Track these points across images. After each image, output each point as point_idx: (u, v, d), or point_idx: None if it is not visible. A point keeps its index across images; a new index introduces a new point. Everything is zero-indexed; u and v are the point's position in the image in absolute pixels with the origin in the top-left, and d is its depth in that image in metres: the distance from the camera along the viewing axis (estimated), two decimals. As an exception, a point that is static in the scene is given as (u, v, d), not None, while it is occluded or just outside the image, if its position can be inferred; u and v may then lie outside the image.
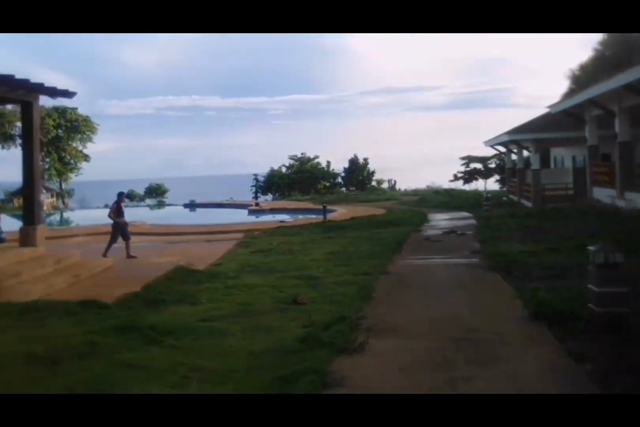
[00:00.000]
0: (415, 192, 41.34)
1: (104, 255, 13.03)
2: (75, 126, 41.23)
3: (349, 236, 16.60)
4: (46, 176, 40.57)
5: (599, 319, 5.67)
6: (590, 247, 5.94)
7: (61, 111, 40.63)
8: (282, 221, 20.56)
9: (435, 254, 12.36)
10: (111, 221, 13.63)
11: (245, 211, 28.54)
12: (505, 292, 8.00)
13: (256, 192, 48.24)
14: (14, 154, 41.80)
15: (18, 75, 9.55)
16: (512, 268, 9.51)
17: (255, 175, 48.97)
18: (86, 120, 41.93)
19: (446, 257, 11.91)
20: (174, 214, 32.02)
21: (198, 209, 33.33)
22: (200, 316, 7.74)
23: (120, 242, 13.50)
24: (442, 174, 52.04)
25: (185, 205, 34.89)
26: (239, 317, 7.55)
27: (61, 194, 42.40)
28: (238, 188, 53.07)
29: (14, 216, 19.36)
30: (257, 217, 26.77)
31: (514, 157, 30.55)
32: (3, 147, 39.30)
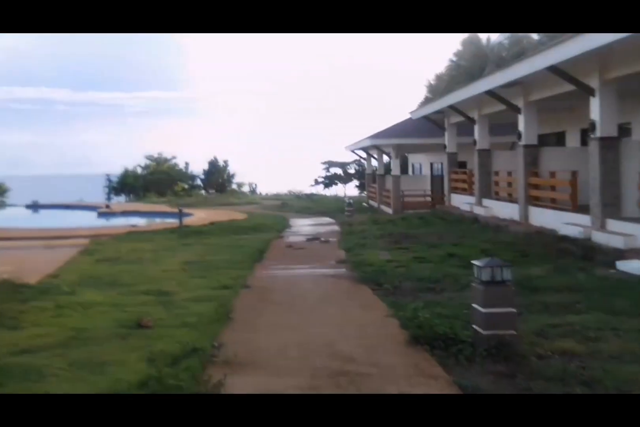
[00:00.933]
0: (277, 197, 40.72)
1: None
2: None
3: (208, 242, 15.31)
4: None
5: (486, 342, 5.04)
6: (475, 262, 5.29)
7: None
8: (133, 225, 18.69)
9: (299, 264, 11.51)
10: None
11: (95, 214, 25.99)
12: (379, 309, 7.26)
13: (109, 194, 44.87)
14: None
15: None
16: (382, 280, 8.88)
17: (108, 175, 45.52)
18: None
19: (311, 267, 11.10)
20: (13, 216, 28.72)
21: (42, 211, 30.05)
22: (19, 345, 6.17)
23: None
24: (303, 179, 52.21)
25: (28, 206, 31.35)
26: (68, 347, 6.10)
27: None
28: (90, 189, 49.31)
29: None
30: (107, 220, 24.44)
31: (374, 162, 30.88)
32: None
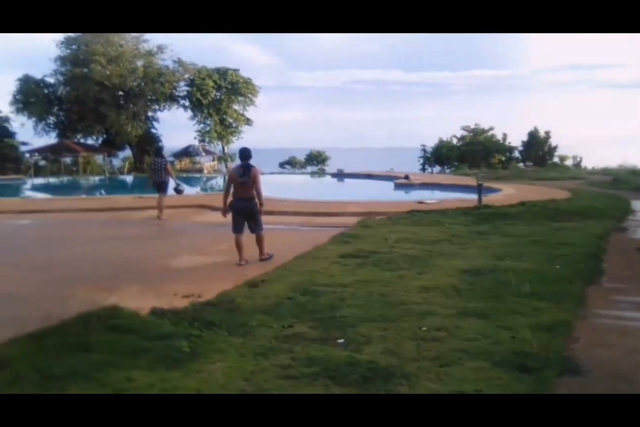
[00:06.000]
0: (605, 171, 31.69)
1: None
2: (237, 88, 37.58)
3: (511, 232, 10.04)
4: (207, 139, 38.02)
5: None
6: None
7: (222, 72, 37.27)
8: (420, 202, 14.27)
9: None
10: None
11: (392, 185, 22.40)
12: None
13: (423, 164, 41.72)
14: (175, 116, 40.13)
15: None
16: None
17: (423, 146, 42.27)
18: (247, 82, 37.99)
19: None
20: (314, 184, 27.49)
21: (345, 180, 28.02)
22: None
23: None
24: (632, 154, 40.75)
25: (333, 175, 29.79)
26: None
27: (223, 158, 39.70)
28: (409, 160, 46.96)
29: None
30: (402, 192, 20.68)
31: None
32: (162, 109, 37.24)
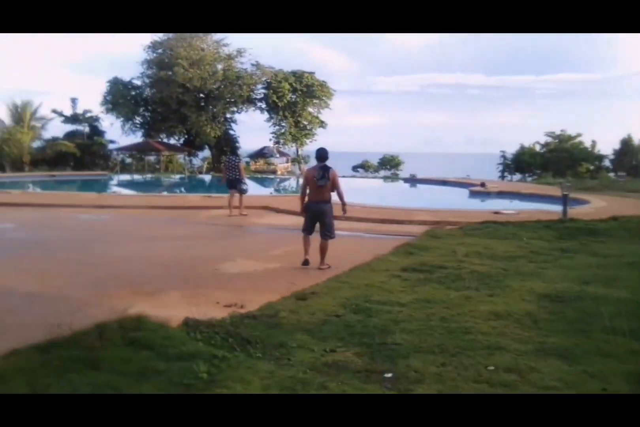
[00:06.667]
0: None
1: None
2: (312, 91, 37.11)
3: (600, 252, 8.75)
4: (281, 141, 37.87)
5: None
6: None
7: (298, 75, 36.97)
8: (496, 212, 13.05)
9: None
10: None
11: (467, 192, 21.05)
12: None
13: (502, 171, 39.66)
14: (252, 117, 40.20)
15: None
16: None
17: (503, 152, 40.20)
18: (322, 85, 37.45)
19: None
20: (385, 189, 26.53)
21: (418, 185, 26.82)
22: None
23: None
24: None
25: (405, 180, 28.65)
26: None
27: (297, 160, 39.44)
28: (488, 167, 44.78)
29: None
30: (477, 200, 19.34)
31: None
32: (239, 111, 37.34)
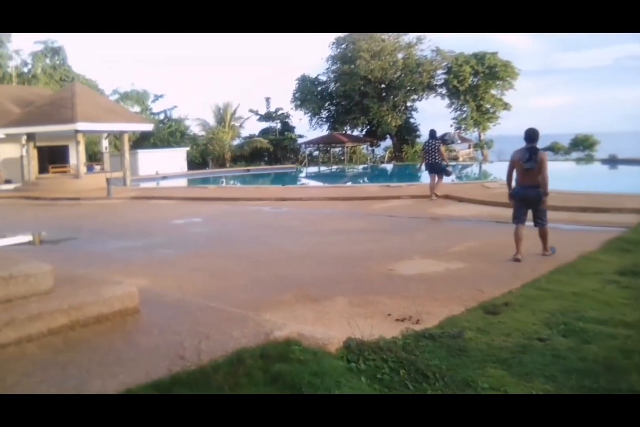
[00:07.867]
0: None
1: None
2: (495, 72, 33.92)
3: None
4: (462, 126, 35.60)
5: None
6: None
7: (480, 57, 34.09)
8: None
9: None
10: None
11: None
12: None
13: None
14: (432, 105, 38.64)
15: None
16: None
17: None
18: (506, 65, 34.03)
19: None
20: (580, 172, 23.17)
21: (620, 167, 23.00)
22: None
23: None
24: None
25: (604, 162, 24.80)
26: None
27: (480, 145, 36.81)
28: None
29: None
30: None
31: None
32: (420, 98, 35.83)
